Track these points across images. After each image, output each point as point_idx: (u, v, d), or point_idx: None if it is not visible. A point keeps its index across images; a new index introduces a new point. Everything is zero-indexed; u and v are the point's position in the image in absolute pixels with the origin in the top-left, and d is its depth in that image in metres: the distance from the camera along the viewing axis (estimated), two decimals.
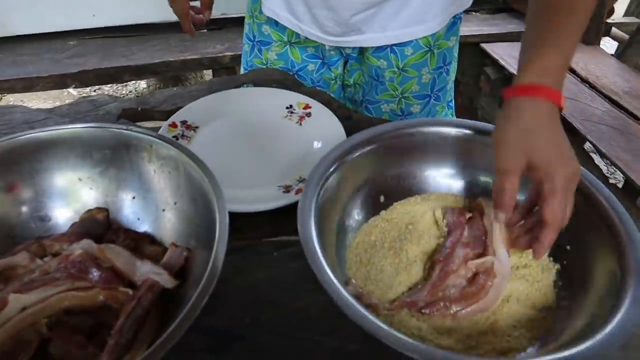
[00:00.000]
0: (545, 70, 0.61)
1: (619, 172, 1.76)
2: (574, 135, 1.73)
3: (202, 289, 0.47)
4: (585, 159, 1.67)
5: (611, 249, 0.59)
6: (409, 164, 0.71)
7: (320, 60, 1.07)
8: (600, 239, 0.61)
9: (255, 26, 1.09)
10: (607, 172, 2.47)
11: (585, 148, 1.75)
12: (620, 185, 1.67)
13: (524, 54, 0.64)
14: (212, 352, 0.58)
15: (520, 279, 0.64)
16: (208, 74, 2.61)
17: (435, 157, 0.72)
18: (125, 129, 0.66)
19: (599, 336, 0.47)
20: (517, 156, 0.59)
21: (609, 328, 0.48)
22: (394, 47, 0.98)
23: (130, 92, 3.25)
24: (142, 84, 3.27)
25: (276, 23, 1.04)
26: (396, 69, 1.01)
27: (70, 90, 3.04)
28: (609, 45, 2.56)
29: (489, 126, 0.71)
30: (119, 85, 3.31)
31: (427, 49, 0.99)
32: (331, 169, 0.63)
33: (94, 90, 3.25)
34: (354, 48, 1.02)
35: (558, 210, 0.57)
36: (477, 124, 0.72)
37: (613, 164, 1.43)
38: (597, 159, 1.52)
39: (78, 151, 0.68)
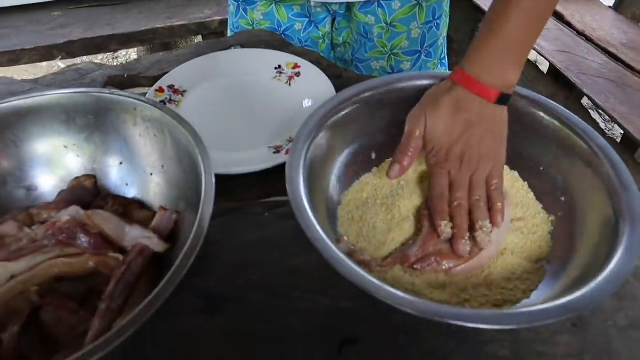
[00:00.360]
0: (481, 62, 0.62)
1: (617, 127, 1.75)
2: (571, 90, 1.71)
3: (187, 251, 0.47)
4: (582, 114, 1.65)
5: (606, 198, 0.58)
6: (399, 119, 0.69)
7: (308, 19, 1.04)
8: (595, 189, 0.60)
9: None
10: (606, 128, 2.45)
11: (584, 104, 1.73)
12: (618, 139, 1.66)
13: (473, 41, 0.64)
14: (205, 313, 0.57)
15: (515, 231, 0.64)
16: (198, 40, 2.56)
17: None
18: (108, 93, 0.65)
19: (592, 285, 0.46)
20: (419, 120, 0.63)
21: (601, 277, 0.47)
22: (381, 1, 0.96)
23: (121, 62, 3.20)
24: (134, 54, 3.22)
25: None
26: (384, 25, 0.99)
27: (60, 63, 2.99)
28: None
29: None
30: (109, 55, 3.26)
31: (416, 2, 0.96)
32: (319, 127, 0.62)
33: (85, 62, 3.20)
34: (340, 4, 0.99)
35: (435, 180, 0.62)
36: None
37: (610, 117, 1.41)
38: (595, 115, 1.50)
39: (61, 118, 0.66)
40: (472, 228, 0.60)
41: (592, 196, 0.60)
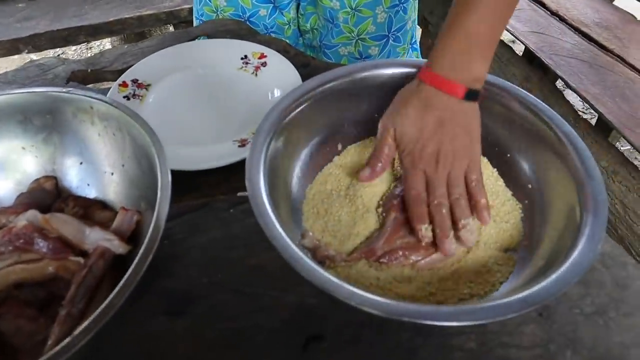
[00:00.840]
0: (446, 58, 0.61)
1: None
2: (545, 72, 1.71)
3: (142, 254, 0.45)
4: (556, 96, 1.65)
5: (571, 186, 0.57)
6: (365, 108, 0.68)
7: (272, 5, 1.02)
8: (561, 177, 0.60)
9: None
10: (583, 108, 2.47)
11: (558, 85, 1.73)
12: (594, 121, 1.66)
13: (439, 34, 0.63)
14: (169, 314, 0.56)
15: (493, 219, 0.63)
16: (171, 30, 2.52)
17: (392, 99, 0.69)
18: (63, 92, 0.63)
19: (553, 276, 0.46)
20: (389, 123, 0.63)
21: (563, 268, 0.47)
22: None
23: (96, 53, 3.14)
24: (107, 45, 3.16)
25: None
26: (349, 9, 0.97)
27: (32, 56, 2.93)
28: None
29: None
30: (82, 46, 3.20)
31: None
32: (281, 120, 0.60)
33: (58, 55, 3.14)
34: None
35: (410, 181, 0.61)
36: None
37: (582, 98, 1.41)
38: (573, 96, 1.50)
39: (18, 118, 0.64)
40: (454, 228, 0.59)
41: (558, 184, 0.60)
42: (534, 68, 1.73)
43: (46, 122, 0.65)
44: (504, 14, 0.62)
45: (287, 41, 1.06)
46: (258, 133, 0.58)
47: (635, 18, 1.82)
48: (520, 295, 0.44)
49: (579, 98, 1.47)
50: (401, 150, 0.62)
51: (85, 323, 0.43)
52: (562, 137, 0.61)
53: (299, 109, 0.63)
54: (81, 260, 0.56)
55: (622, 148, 1.97)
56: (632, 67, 1.54)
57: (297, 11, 1.05)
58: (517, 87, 0.66)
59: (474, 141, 0.62)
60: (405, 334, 0.53)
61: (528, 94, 0.65)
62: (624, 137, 1.29)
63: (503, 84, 0.67)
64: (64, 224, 0.58)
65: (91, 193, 0.66)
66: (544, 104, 0.65)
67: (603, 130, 1.55)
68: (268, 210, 0.50)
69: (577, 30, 1.73)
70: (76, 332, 0.43)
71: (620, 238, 1.37)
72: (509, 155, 0.67)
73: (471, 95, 0.61)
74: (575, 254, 0.48)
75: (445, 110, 0.60)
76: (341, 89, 0.67)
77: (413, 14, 1.04)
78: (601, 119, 1.40)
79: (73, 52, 3.17)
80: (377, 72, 0.68)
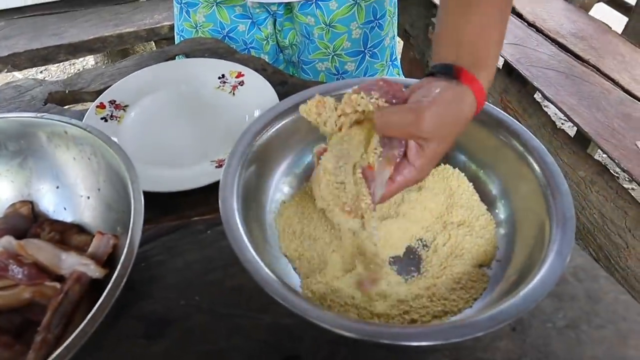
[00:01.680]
0: (489, 74, 0.57)
1: None
2: (524, 84, 1.73)
3: (115, 278, 0.46)
4: (534, 108, 1.67)
5: (541, 201, 0.58)
6: None
7: (250, 20, 1.03)
8: (531, 192, 0.61)
9: None
10: (563, 119, 2.50)
11: (537, 97, 1.75)
12: (573, 131, 1.68)
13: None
14: (147, 338, 0.57)
15: (464, 236, 0.63)
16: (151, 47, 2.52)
17: None
18: (37, 117, 0.63)
19: (520, 293, 0.47)
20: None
21: (531, 284, 0.48)
22: (318, 1, 0.95)
23: (78, 70, 3.13)
24: (91, 61, 3.15)
25: None
26: (324, 25, 0.98)
27: (16, 74, 2.92)
28: None
29: (412, 81, 0.69)
30: (66, 64, 3.19)
31: (353, 2, 0.96)
32: (255, 142, 0.61)
33: (40, 72, 3.13)
34: (279, 5, 0.99)
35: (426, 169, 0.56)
36: (407, 81, 0.70)
37: (559, 108, 1.43)
38: (553, 107, 1.52)
39: None
40: None
41: (528, 199, 0.61)
42: (513, 80, 1.76)
43: (21, 147, 0.65)
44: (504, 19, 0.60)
45: (267, 57, 1.07)
46: (232, 155, 0.58)
47: (610, 28, 1.85)
48: (489, 313, 0.45)
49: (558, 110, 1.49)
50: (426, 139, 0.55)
51: (59, 350, 0.43)
52: (531, 151, 0.62)
53: (272, 130, 0.64)
54: (57, 285, 0.56)
55: (601, 157, 2.00)
56: (607, 77, 1.57)
57: (275, 27, 1.06)
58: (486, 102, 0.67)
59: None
60: (379, 352, 0.54)
61: (496, 108, 0.67)
62: (599, 147, 1.31)
63: None
64: (39, 250, 0.58)
65: (68, 217, 0.66)
66: (512, 118, 0.66)
67: (582, 141, 1.57)
68: (241, 233, 0.50)
69: (553, 41, 1.76)
70: (50, 358, 0.43)
71: (598, 247, 1.39)
72: (482, 171, 0.68)
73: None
74: (543, 270, 0.49)
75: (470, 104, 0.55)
76: None
77: (390, 30, 1.05)
78: (580, 132, 1.43)
79: (56, 68, 3.16)
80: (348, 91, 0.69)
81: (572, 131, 1.68)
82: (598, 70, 1.60)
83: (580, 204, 1.44)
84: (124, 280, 0.46)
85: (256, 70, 0.92)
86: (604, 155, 1.36)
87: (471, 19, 0.58)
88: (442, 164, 0.70)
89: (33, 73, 2.97)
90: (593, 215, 1.39)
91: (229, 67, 0.93)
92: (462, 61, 0.56)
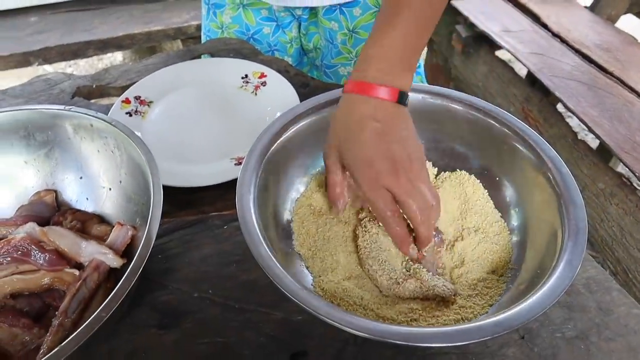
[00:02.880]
0: (373, 66, 0.59)
1: None
2: (547, 94, 1.72)
3: (132, 267, 0.47)
4: (555, 118, 1.66)
5: (555, 211, 0.58)
6: None
7: (275, 23, 1.05)
8: (545, 202, 0.61)
9: None
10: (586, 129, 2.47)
11: (559, 109, 1.73)
12: (596, 143, 1.66)
13: (363, 48, 0.62)
14: (161, 327, 0.58)
15: (479, 242, 0.64)
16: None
17: None
18: (65, 109, 0.65)
19: (529, 300, 0.47)
20: (332, 154, 0.60)
21: (539, 293, 0.48)
22: (342, 7, 0.96)
23: (106, 65, 3.19)
24: (119, 57, 3.21)
25: None
26: (347, 31, 0.99)
27: (46, 67, 2.98)
28: None
29: (438, 89, 0.70)
30: (94, 59, 3.25)
31: (377, 8, 0.97)
32: (274, 141, 0.62)
33: (70, 66, 3.20)
34: (303, 9, 1.00)
35: (379, 204, 0.57)
36: (426, 87, 0.71)
37: (580, 119, 1.42)
38: (574, 119, 1.51)
39: (21, 134, 0.67)
40: None
41: (542, 208, 0.61)
42: (535, 89, 1.75)
43: (48, 138, 0.67)
44: (427, 24, 0.61)
45: (290, 59, 1.09)
46: (250, 153, 0.60)
47: (636, 40, 1.83)
48: (495, 318, 0.46)
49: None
50: (356, 177, 0.58)
51: (74, 333, 0.45)
52: (547, 161, 0.62)
53: (291, 131, 0.65)
54: (76, 272, 0.58)
55: (623, 170, 1.98)
56: (631, 89, 1.55)
57: (299, 30, 1.08)
58: (502, 110, 0.68)
59: (419, 142, 0.60)
60: (387, 352, 0.55)
61: (513, 116, 0.67)
62: (620, 160, 1.30)
63: (489, 107, 0.68)
64: (61, 237, 0.60)
65: (89, 207, 0.68)
66: (529, 127, 0.66)
67: (604, 153, 1.56)
68: (256, 229, 0.51)
69: (577, 51, 1.75)
70: (65, 341, 0.44)
71: (617, 260, 1.38)
72: (497, 178, 0.68)
73: (403, 98, 0.59)
74: (552, 279, 0.49)
75: (383, 117, 0.57)
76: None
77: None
78: (601, 144, 1.41)
79: (85, 63, 3.23)
80: None
81: (594, 143, 1.66)
82: (622, 82, 1.58)
83: (599, 216, 1.43)
84: (140, 269, 0.48)
85: (279, 72, 0.94)
86: (626, 168, 1.35)
87: None
88: (457, 170, 0.70)
89: (63, 67, 3.03)
90: (612, 228, 1.38)
91: (252, 68, 0.95)
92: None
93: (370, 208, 0.63)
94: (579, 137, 1.60)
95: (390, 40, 0.59)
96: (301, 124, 0.66)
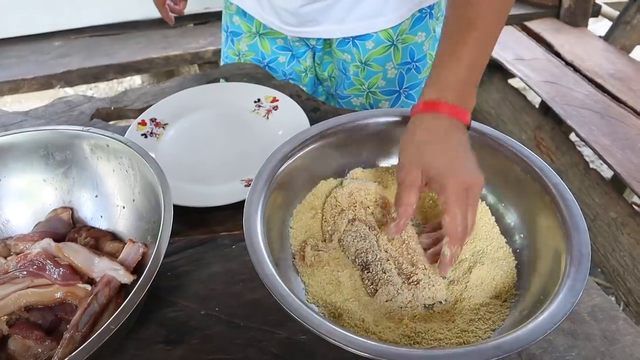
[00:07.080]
0: (446, 86, 0.64)
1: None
2: (559, 122, 1.72)
3: (140, 283, 0.49)
4: (567, 147, 1.66)
5: (559, 236, 0.59)
6: (366, 154, 0.72)
7: (290, 52, 1.08)
8: (549, 228, 0.61)
9: (227, 17, 1.10)
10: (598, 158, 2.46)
11: (571, 139, 1.73)
12: (609, 172, 1.66)
13: (431, 71, 0.67)
14: (167, 343, 0.59)
15: (481, 266, 0.64)
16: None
17: (390, 147, 0.73)
18: (83, 130, 0.68)
19: (529, 325, 0.48)
20: (412, 171, 0.61)
21: (540, 318, 0.48)
22: (355, 40, 0.98)
23: (125, 88, 3.26)
24: (138, 80, 3.29)
25: (244, 13, 1.05)
26: (359, 63, 1.01)
27: (68, 89, 3.06)
28: (602, 24, 2.54)
29: None
30: (114, 82, 3.33)
31: (390, 43, 0.98)
32: (282, 164, 0.64)
33: (90, 89, 3.28)
34: (317, 40, 1.03)
35: (454, 222, 0.58)
36: None
37: (592, 148, 1.43)
38: (587, 148, 1.51)
39: (40, 153, 0.70)
40: None
41: (546, 234, 0.62)
42: (548, 118, 1.75)
43: (66, 157, 0.70)
44: (491, 43, 0.66)
45: (305, 89, 1.11)
46: (259, 175, 0.61)
47: None
48: (495, 342, 0.46)
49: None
50: (435, 188, 0.60)
51: (83, 345, 0.47)
52: (550, 187, 0.63)
53: (299, 154, 0.67)
54: (88, 287, 0.60)
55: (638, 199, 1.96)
56: None
57: (314, 60, 1.10)
58: (508, 136, 0.69)
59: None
60: None
61: (518, 142, 0.68)
62: (632, 189, 1.30)
63: (495, 133, 0.70)
64: (76, 253, 0.62)
65: (103, 224, 0.70)
66: (534, 154, 0.67)
67: (617, 184, 1.55)
68: (262, 249, 0.53)
69: (591, 80, 1.76)
70: (73, 353, 0.46)
71: (628, 290, 1.36)
72: (502, 204, 0.69)
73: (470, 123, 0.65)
74: (554, 304, 0.50)
75: (465, 140, 0.62)
76: (341, 136, 0.71)
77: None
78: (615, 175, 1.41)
79: (105, 86, 3.30)
80: (376, 120, 0.72)
81: (607, 172, 1.66)
82: (635, 111, 1.59)
83: (611, 246, 1.42)
84: (148, 285, 0.49)
85: (291, 96, 0.96)
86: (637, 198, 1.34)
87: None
88: None
89: (84, 90, 3.11)
90: (623, 258, 1.37)
91: (265, 92, 0.97)
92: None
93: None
94: (591, 166, 1.60)
95: (464, 63, 0.63)
96: (309, 148, 0.68)
